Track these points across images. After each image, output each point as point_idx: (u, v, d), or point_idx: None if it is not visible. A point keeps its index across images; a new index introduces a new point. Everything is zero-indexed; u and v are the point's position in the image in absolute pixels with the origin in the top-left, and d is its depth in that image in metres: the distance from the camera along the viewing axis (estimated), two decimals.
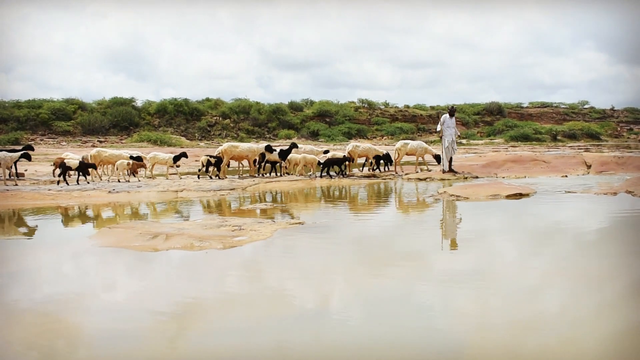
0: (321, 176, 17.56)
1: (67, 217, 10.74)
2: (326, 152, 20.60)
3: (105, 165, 18.20)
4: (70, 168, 16.20)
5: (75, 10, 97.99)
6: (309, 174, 18.16)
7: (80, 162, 16.46)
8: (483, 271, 5.99)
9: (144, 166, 17.67)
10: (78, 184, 15.94)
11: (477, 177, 17.06)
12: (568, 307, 4.74)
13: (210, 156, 18.38)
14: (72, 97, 51.44)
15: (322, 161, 18.20)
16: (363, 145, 20.41)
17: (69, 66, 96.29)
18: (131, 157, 17.29)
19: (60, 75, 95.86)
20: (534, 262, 6.37)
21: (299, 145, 20.83)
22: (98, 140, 43.94)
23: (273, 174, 18.61)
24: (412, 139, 31.72)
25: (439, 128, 17.95)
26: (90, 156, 16.98)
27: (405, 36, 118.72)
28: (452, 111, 18.03)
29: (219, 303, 5.06)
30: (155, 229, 8.02)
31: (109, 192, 13.82)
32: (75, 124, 47.76)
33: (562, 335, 4.11)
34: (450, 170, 17.68)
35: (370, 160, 20.02)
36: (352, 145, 19.87)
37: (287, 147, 18.82)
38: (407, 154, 19.44)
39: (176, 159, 17.89)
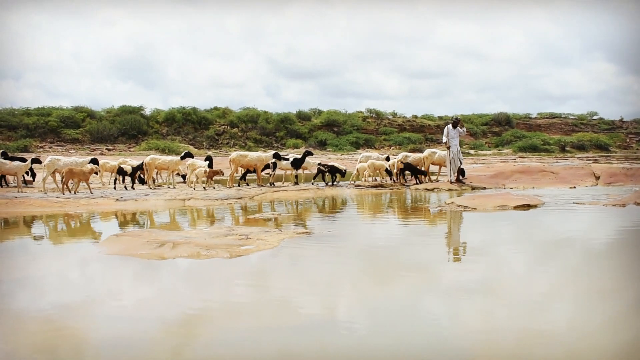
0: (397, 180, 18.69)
1: (75, 225, 10.76)
2: (387, 158, 20.56)
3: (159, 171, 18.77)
4: (125, 173, 16.96)
5: (85, 18, 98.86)
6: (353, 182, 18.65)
7: (132, 168, 17.70)
8: (491, 282, 5.96)
9: (220, 173, 17.71)
10: (133, 188, 16.98)
11: (484, 188, 17.03)
12: (576, 320, 4.70)
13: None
14: (81, 105, 51.82)
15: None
16: (413, 155, 20.12)
17: (78, 74, 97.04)
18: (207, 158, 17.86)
19: (69, 82, 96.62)
20: (542, 274, 6.32)
21: (370, 154, 21.12)
22: (106, 148, 44.16)
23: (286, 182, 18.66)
24: (419, 150, 31.68)
25: (444, 139, 17.92)
26: (145, 163, 17.29)
27: (413, 46, 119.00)
28: (455, 122, 18.07)
29: (225, 312, 5.05)
30: (162, 237, 8.02)
31: (117, 200, 13.86)
32: (84, 132, 48.04)
33: (571, 347, 4.07)
34: (458, 180, 17.65)
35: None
36: (402, 155, 19.74)
37: (300, 155, 18.89)
38: (432, 164, 19.29)
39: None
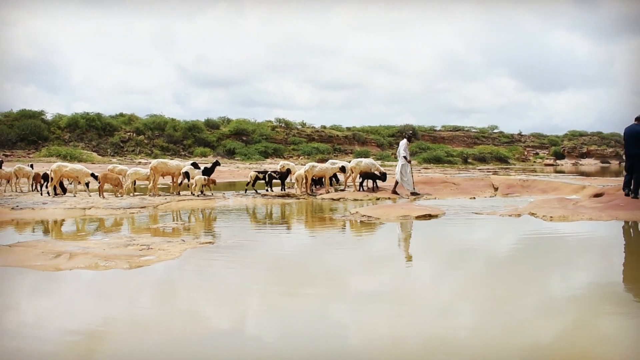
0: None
1: None
2: (342, 168, 20.43)
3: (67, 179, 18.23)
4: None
5: None
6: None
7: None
8: (395, 291, 6.08)
9: (214, 182, 18.05)
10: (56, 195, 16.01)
11: (388, 198, 17.37)
12: (479, 326, 4.86)
13: (258, 172, 19.69)
14: None
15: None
16: (320, 166, 19.95)
17: None
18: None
19: None
20: (445, 282, 6.54)
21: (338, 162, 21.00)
22: (4, 154, 42.10)
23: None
24: (324, 160, 31.89)
25: (404, 154, 18.21)
26: (51, 170, 16.56)
27: (324, 57, 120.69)
28: (409, 136, 19.40)
29: (128, 324, 4.91)
30: (58, 248, 7.72)
31: (12, 208, 13.25)
32: None
33: (474, 353, 4.20)
34: (394, 192, 18.08)
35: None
36: (309, 165, 19.54)
37: (210, 164, 19.06)
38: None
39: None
